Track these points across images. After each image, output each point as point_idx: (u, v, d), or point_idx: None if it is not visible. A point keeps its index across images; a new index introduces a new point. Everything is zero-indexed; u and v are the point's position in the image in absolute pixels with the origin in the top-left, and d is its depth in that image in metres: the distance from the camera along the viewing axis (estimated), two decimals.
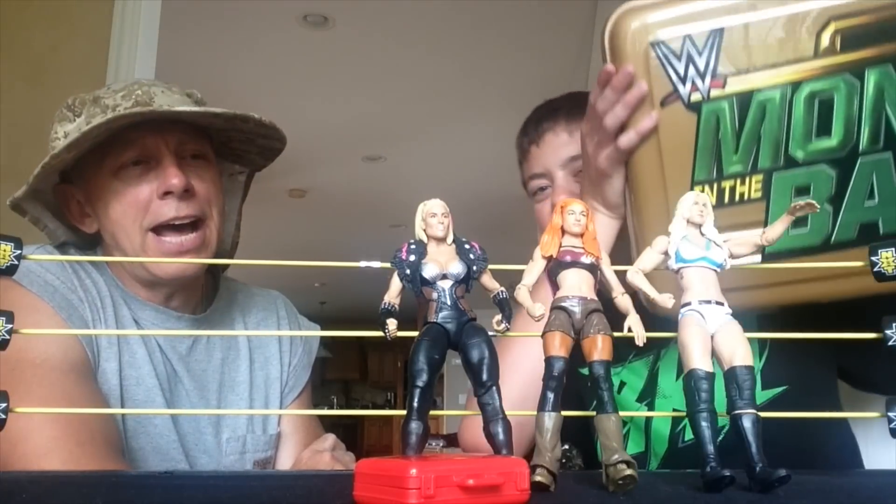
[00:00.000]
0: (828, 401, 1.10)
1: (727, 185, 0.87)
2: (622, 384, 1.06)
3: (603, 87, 0.91)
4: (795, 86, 0.85)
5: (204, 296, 1.16)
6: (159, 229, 1.02)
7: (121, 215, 1.02)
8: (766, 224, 0.84)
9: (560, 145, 1.14)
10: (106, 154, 1.01)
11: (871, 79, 0.84)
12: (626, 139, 0.89)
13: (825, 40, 0.84)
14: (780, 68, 0.85)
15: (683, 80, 0.86)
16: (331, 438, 1.13)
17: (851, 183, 0.85)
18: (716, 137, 0.86)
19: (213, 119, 1.04)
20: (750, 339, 0.56)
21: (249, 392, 1.15)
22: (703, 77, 0.85)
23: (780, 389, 1.01)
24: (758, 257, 0.83)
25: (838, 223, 0.86)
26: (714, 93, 0.85)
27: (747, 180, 0.86)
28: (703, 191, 0.86)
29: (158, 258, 1.02)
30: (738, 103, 0.85)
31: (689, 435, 1.04)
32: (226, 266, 1.25)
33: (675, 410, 1.04)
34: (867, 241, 0.84)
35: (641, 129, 0.88)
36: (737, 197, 0.87)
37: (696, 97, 0.86)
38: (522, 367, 0.88)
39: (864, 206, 0.85)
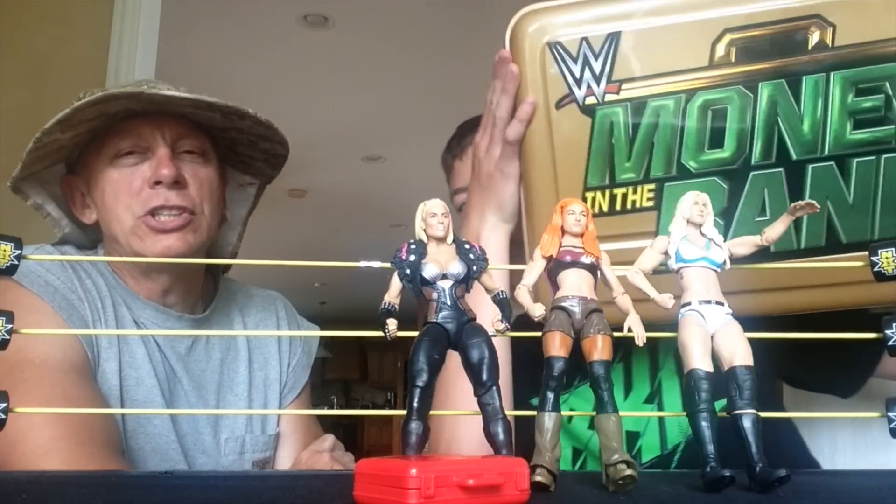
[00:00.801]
0: (771, 401, 1.12)
1: (619, 192, 0.86)
2: (570, 410, 1.05)
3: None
4: (690, 95, 0.84)
5: (203, 296, 1.16)
6: (148, 216, 1.02)
7: (113, 202, 1.03)
8: (657, 234, 0.82)
9: None
10: (104, 143, 1.03)
11: (764, 92, 0.84)
12: (511, 129, 0.89)
13: (720, 50, 0.84)
14: (676, 76, 0.85)
15: (579, 83, 0.85)
16: (330, 439, 1.13)
17: (743, 197, 0.85)
18: (609, 142, 0.86)
19: (209, 112, 1.05)
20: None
21: (248, 393, 1.15)
22: (598, 80, 0.85)
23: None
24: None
25: (729, 236, 0.84)
26: (609, 97, 0.85)
27: (639, 189, 0.86)
28: (594, 197, 0.87)
29: (148, 241, 1.02)
30: (633, 109, 0.85)
31: (645, 457, 1.04)
32: (227, 267, 1.25)
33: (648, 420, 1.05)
34: (759, 259, 0.83)
35: (521, 115, 0.88)
36: (629, 204, 0.86)
37: (590, 100, 0.85)
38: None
39: (755, 221, 0.84)
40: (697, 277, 0.58)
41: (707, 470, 0.52)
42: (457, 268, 0.55)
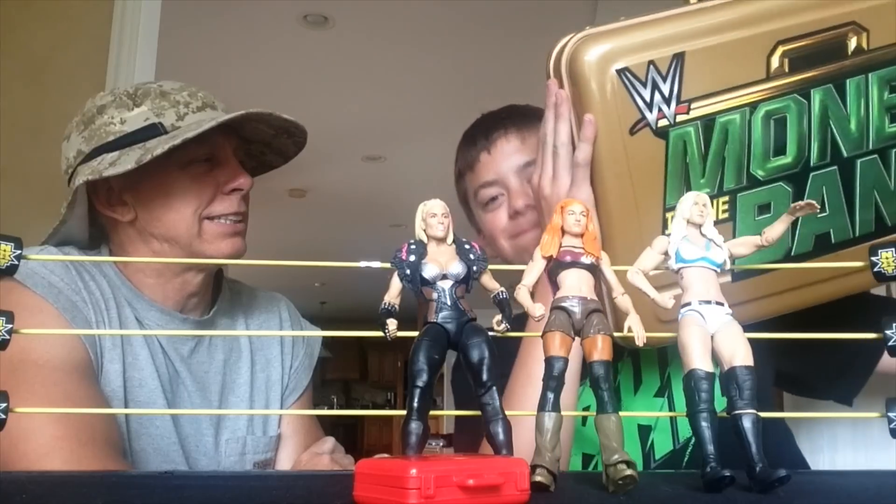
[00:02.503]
0: (768, 404, 1.12)
1: None
2: (585, 407, 1.04)
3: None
4: (753, 107, 0.88)
5: (207, 298, 1.17)
6: (213, 219, 1.07)
7: (181, 205, 1.05)
8: None
9: (513, 151, 1.14)
10: (174, 148, 1.01)
11: (816, 98, 0.89)
12: (581, 152, 0.89)
13: (775, 62, 0.88)
14: (739, 90, 0.88)
15: (650, 107, 0.86)
16: (330, 441, 1.13)
17: (806, 196, 0.89)
18: (684, 162, 0.88)
19: (286, 129, 1.13)
20: None
21: (250, 394, 1.15)
22: (668, 102, 0.86)
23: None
24: (727, 277, 0.86)
25: (797, 235, 0.90)
26: (680, 118, 0.87)
27: (715, 202, 0.88)
28: (673, 217, 0.87)
29: (212, 243, 1.07)
30: (703, 127, 0.87)
31: (658, 453, 1.04)
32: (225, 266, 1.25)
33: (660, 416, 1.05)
34: (821, 252, 0.91)
35: (587, 135, 0.88)
36: None
37: (663, 123, 0.87)
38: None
39: (817, 218, 0.90)
40: (697, 277, 0.58)
41: (707, 470, 0.52)
42: (457, 268, 0.55)
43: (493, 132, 1.16)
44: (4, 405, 0.52)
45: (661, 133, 0.87)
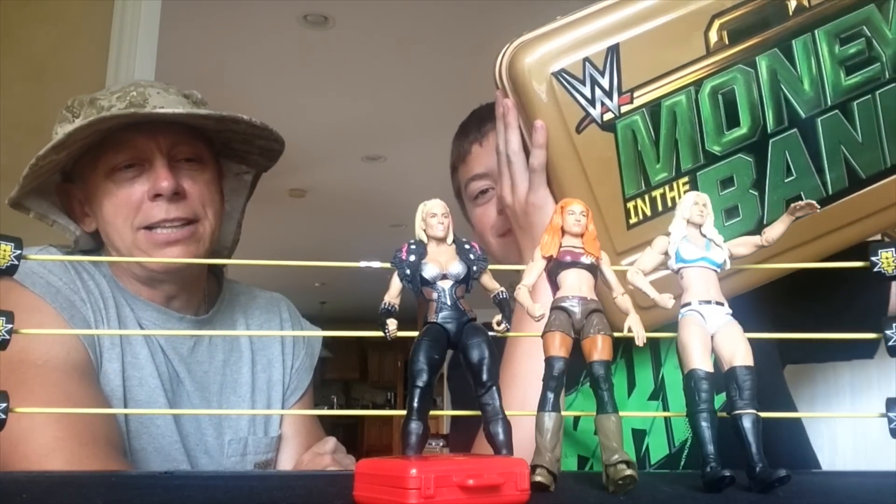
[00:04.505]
0: (780, 393, 1.12)
1: (657, 193, 0.90)
2: (576, 410, 1.03)
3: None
4: (697, 85, 0.88)
5: (206, 297, 1.16)
6: (150, 228, 1.02)
7: (113, 215, 1.02)
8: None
9: None
10: (99, 156, 1.02)
11: (762, 65, 0.89)
12: (535, 158, 0.90)
13: (713, 37, 0.88)
14: (680, 72, 0.88)
15: (593, 103, 0.87)
16: (331, 441, 1.13)
17: (769, 164, 0.90)
18: (636, 150, 0.88)
19: (203, 121, 1.04)
20: None
21: (251, 394, 1.15)
22: (609, 95, 0.87)
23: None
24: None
25: (766, 204, 0.90)
26: (624, 108, 0.87)
27: (675, 184, 0.89)
28: (635, 205, 0.90)
29: (151, 254, 1.02)
30: (649, 113, 0.88)
31: (654, 457, 1.03)
32: (227, 257, 1.24)
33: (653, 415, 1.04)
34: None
35: (538, 141, 0.88)
36: (669, 202, 0.89)
37: (608, 116, 0.87)
38: (527, 370, 0.87)
39: (784, 183, 0.90)
40: (697, 277, 0.58)
41: (707, 470, 0.52)
42: (457, 268, 0.55)
43: (485, 124, 1.15)
44: (4, 405, 0.52)
45: (608, 126, 0.87)
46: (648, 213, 0.90)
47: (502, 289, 0.58)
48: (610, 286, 0.58)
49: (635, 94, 0.87)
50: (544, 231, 0.59)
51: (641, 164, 0.89)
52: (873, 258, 0.57)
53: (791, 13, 0.89)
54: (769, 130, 0.90)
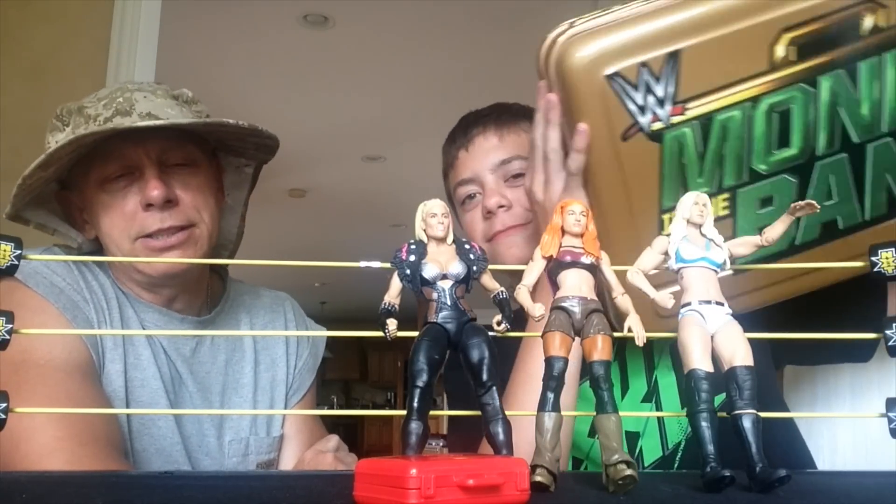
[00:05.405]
0: (771, 394, 1.11)
1: None
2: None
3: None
4: (754, 101, 0.84)
5: (210, 298, 1.16)
6: (148, 236, 1.01)
7: (109, 227, 1.02)
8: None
9: (490, 149, 1.12)
10: (90, 167, 1.01)
11: (824, 86, 0.84)
12: (573, 162, 0.87)
13: (779, 52, 0.83)
14: (738, 85, 0.84)
15: (643, 111, 0.83)
16: (334, 439, 1.12)
17: (812, 187, 0.86)
18: (679, 163, 0.84)
19: (188, 127, 1.03)
20: None
21: (254, 394, 1.15)
22: (662, 105, 0.83)
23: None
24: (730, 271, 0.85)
25: (801, 225, 0.87)
26: (675, 119, 0.83)
27: (714, 200, 0.85)
28: (671, 218, 0.86)
29: (151, 257, 1.01)
30: (700, 127, 0.84)
31: (647, 460, 1.03)
32: (233, 251, 1.24)
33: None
34: (827, 239, 0.88)
35: (579, 146, 0.85)
36: None
37: (657, 126, 0.83)
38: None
39: (823, 207, 0.86)
40: (697, 277, 0.58)
41: (707, 470, 0.52)
42: (457, 268, 0.55)
43: (471, 129, 1.15)
44: (4, 405, 0.52)
45: (656, 136, 0.83)
46: None
47: (502, 289, 0.58)
48: (610, 286, 0.58)
49: (688, 106, 0.83)
50: (545, 231, 0.59)
51: (683, 178, 0.85)
52: (873, 258, 0.57)
53: (863, 33, 0.84)
54: (818, 153, 0.86)
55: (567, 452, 0.95)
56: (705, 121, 0.84)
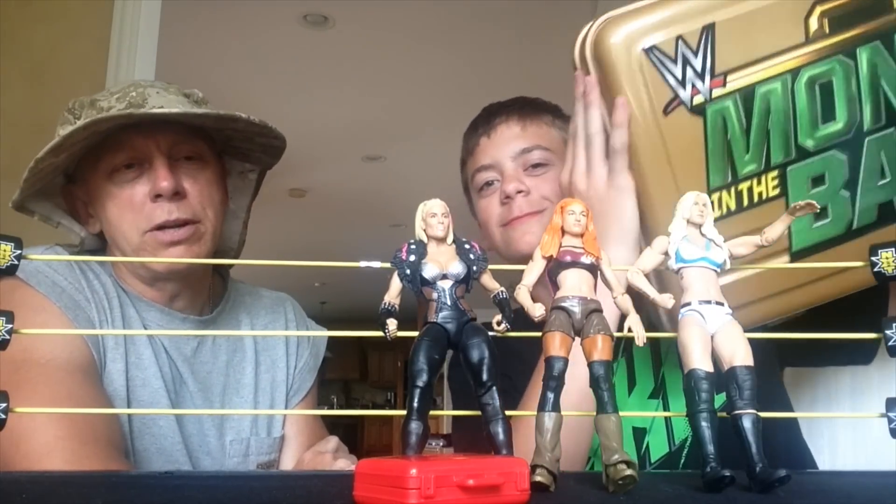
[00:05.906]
0: (776, 395, 1.11)
1: (744, 187, 0.83)
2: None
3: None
4: (794, 73, 0.83)
5: (211, 298, 1.16)
6: (155, 230, 1.02)
7: (118, 218, 1.02)
8: None
9: (512, 137, 1.13)
10: (100, 157, 1.02)
11: (863, 57, 0.83)
12: (616, 138, 0.85)
13: (813, 24, 0.83)
14: (777, 57, 0.83)
15: (683, 84, 0.82)
16: (334, 440, 1.13)
17: (863, 165, 0.84)
18: (725, 138, 0.83)
19: (200, 119, 1.04)
20: None
21: (254, 395, 1.15)
22: (702, 77, 0.82)
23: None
24: (785, 257, 0.83)
25: (856, 207, 0.84)
26: (716, 92, 0.82)
27: (763, 179, 0.83)
28: (720, 197, 0.83)
29: (156, 255, 1.02)
30: (742, 99, 0.82)
31: (654, 456, 1.03)
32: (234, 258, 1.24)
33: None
34: (887, 222, 0.84)
35: (620, 120, 0.83)
36: (755, 198, 0.83)
37: (698, 100, 0.82)
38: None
39: (878, 187, 0.84)
40: (697, 277, 0.58)
41: (707, 470, 0.52)
42: (457, 268, 0.55)
43: (494, 118, 1.16)
44: (5, 405, 0.52)
45: (698, 110, 0.82)
46: (733, 207, 0.83)
47: (502, 289, 0.58)
48: (610, 286, 0.58)
49: (728, 78, 0.82)
50: (545, 231, 0.59)
51: (730, 154, 0.83)
52: (873, 258, 0.57)
53: (895, 4, 0.83)
54: (865, 128, 0.83)
55: (586, 453, 0.93)
56: (747, 93, 0.83)
